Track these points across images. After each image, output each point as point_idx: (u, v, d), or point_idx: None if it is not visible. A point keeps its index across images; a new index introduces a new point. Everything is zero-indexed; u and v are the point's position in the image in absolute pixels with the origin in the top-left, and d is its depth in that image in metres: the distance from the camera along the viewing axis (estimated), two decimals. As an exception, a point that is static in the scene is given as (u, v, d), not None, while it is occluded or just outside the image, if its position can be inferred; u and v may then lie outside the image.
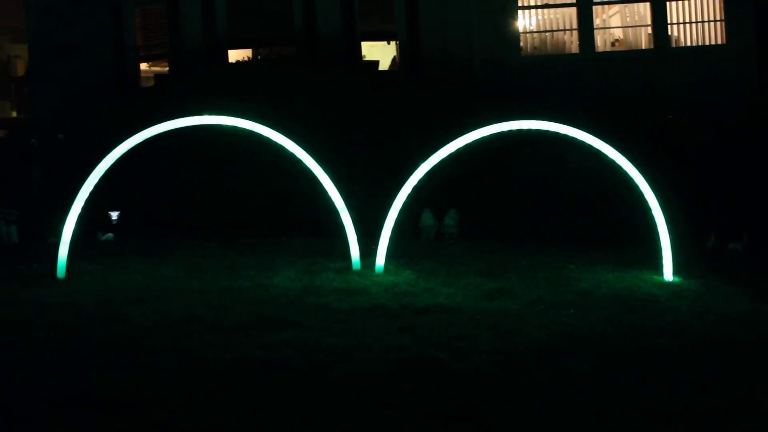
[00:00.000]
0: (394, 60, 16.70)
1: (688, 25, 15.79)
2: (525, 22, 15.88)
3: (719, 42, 15.59)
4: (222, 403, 5.26)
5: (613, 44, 16.15)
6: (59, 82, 14.74)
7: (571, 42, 15.81)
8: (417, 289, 8.42)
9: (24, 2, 15.53)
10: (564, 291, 8.34)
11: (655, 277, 8.93)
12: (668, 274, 8.91)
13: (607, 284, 8.65)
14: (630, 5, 15.90)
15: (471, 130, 8.93)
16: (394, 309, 7.62)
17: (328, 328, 7.00)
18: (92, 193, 8.98)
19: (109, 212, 11.55)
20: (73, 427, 4.91)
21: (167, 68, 16.02)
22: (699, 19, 15.73)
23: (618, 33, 16.25)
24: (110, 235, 11.36)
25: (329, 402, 5.29)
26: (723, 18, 15.53)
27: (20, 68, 18.83)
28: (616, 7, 16.17)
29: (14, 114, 18.31)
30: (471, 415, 5.10)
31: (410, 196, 9.17)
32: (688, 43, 15.83)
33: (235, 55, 15.80)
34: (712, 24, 15.66)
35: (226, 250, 10.42)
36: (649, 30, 15.64)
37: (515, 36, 15.47)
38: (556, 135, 9.03)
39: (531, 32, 15.90)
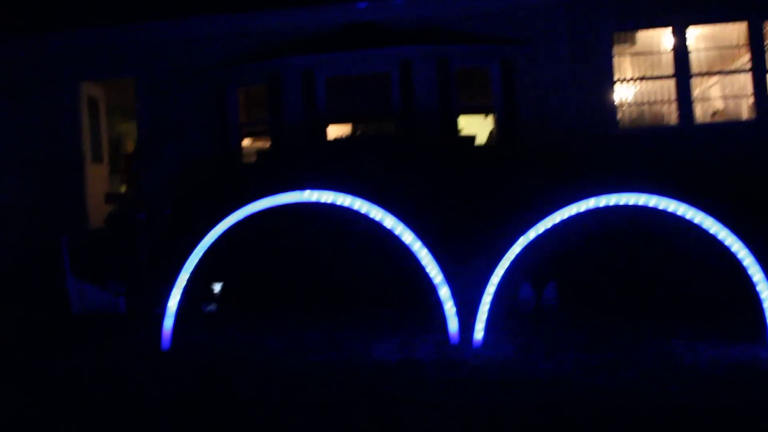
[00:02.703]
0: (491, 134, 16.83)
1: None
2: (622, 94, 15.87)
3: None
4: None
5: (713, 115, 15.98)
6: (165, 158, 15.30)
7: (670, 114, 15.71)
8: (517, 363, 8.37)
9: (135, 83, 16.27)
10: (668, 367, 8.17)
11: (763, 352, 8.69)
12: (777, 350, 8.66)
13: (711, 359, 8.44)
14: (730, 76, 15.76)
15: (570, 203, 8.93)
16: (494, 382, 7.58)
17: (428, 402, 7.01)
18: (197, 266, 9.24)
19: (212, 284, 11.83)
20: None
21: (269, 144, 16.46)
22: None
23: (718, 104, 16.09)
24: (213, 307, 11.62)
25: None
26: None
27: (129, 146, 19.62)
28: (715, 77, 16.05)
29: (123, 189, 19.00)
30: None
31: (510, 270, 9.17)
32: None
33: (334, 131, 16.16)
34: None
35: (327, 324, 10.54)
36: (751, 100, 15.44)
37: (612, 108, 15.46)
38: (655, 209, 8.95)
39: (629, 104, 15.86)
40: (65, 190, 16.51)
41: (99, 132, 17.64)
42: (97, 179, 17.23)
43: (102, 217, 16.23)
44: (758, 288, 8.73)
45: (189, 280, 9.27)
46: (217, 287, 11.90)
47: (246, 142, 16.93)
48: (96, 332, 10.45)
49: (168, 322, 9.14)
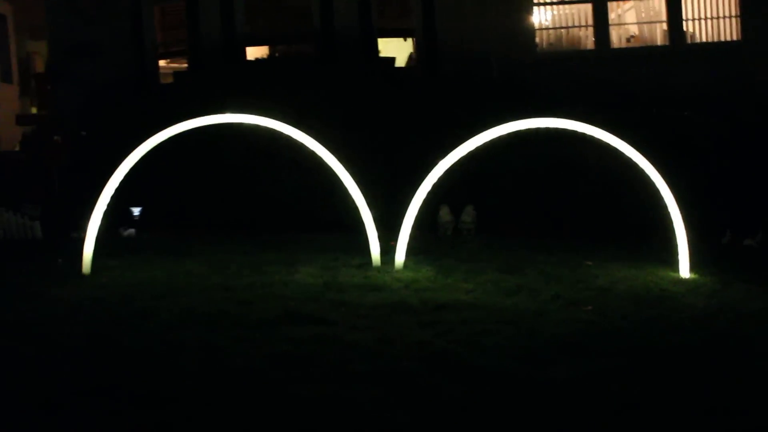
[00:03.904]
0: (410, 56, 16.82)
1: (703, 21, 15.83)
2: (540, 18, 15.97)
3: (735, 38, 15.63)
4: (249, 398, 5.41)
5: (628, 40, 16.21)
6: (79, 78, 14.87)
7: (587, 38, 15.89)
8: (437, 285, 8.55)
9: (44, -1, 15.73)
10: (582, 287, 8.45)
11: (671, 274, 9.03)
12: (684, 270, 9.01)
13: (623, 281, 8.75)
14: (645, 1, 15.97)
15: (488, 128, 9.05)
16: (415, 305, 7.75)
17: (351, 323, 7.14)
18: (115, 190, 9.14)
19: (131, 208, 11.71)
20: (104, 420, 5.05)
21: (186, 65, 16.17)
22: (714, 15, 15.77)
23: (633, 29, 16.31)
24: (132, 230, 11.53)
25: (355, 397, 5.42)
26: (738, 14, 15.56)
27: (40, 65, 19.03)
28: (630, 3, 16.24)
29: (34, 110, 18.49)
30: (493, 410, 5.23)
31: (429, 193, 9.29)
32: (704, 40, 15.88)
33: (253, 52, 15.94)
34: (727, 20, 15.71)
35: (247, 246, 10.57)
36: (664, 26, 15.71)
37: (531, 32, 15.56)
38: (572, 132, 9.13)
39: (546, 29, 15.99)
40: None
41: (8, 51, 17.09)
42: (7, 100, 16.77)
43: (13, 140, 15.85)
44: (669, 210, 9.03)
45: (108, 204, 9.17)
46: (136, 211, 11.79)
47: (163, 63, 16.59)
48: (11, 256, 10.29)
49: (88, 246, 9.05)
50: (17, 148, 15.20)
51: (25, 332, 6.92)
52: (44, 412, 5.16)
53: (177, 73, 15.68)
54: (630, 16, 16.50)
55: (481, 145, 9.11)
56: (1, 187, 12.58)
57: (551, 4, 15.83)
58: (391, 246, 9.46)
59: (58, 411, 5.18)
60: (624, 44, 16.14)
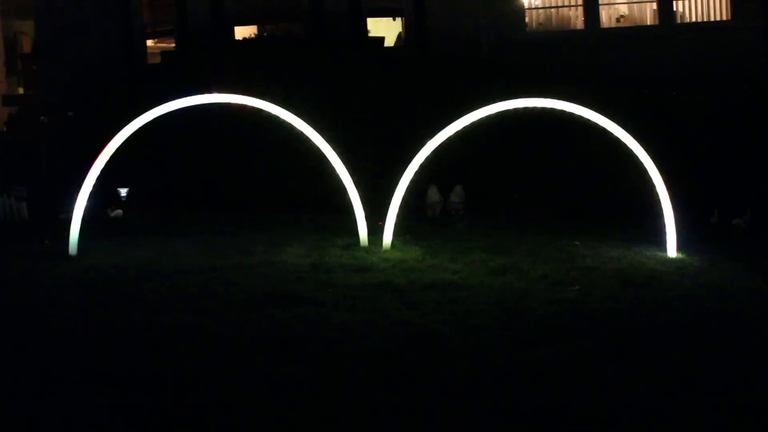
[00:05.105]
0: (399, 36, 16.75)
1: (693, 1, 15.79)
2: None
3: (725, 18, 15.59)
4: (236, 379, 5.40)
5: (618, 20, 16.16)
6: (66, 58, 14.77)
7: (576, 17, 15.84)
8: (424, 266, 8.55)
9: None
10: (569, 267, 8.45)
11: (659, 254, 9.04)
12: (672, 250, 9.02)
13: (611, 261, 8.76)
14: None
15: (477, 108, 9.03)
16: (401, 285, 7.74)
17: (337, 304, 7.13)
18: (102, 171, 9.10)
19: (118, 189, 11.66)
20: (92, 403, 5.04)
21: (173, 45, 16.07)
22: (704, -6, 15.74)
23: (623, 9, 16.26)
24: (119, 211, 11.48)
25: (339, 378, 5.42)
26: (729, -7, 15.53)
27: (26, 45, 18.86)
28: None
29: (21, 91, 18.34)
30: (478, 390, 5.24)
31: (417, 174, 9.27)
32: (694, 19, 15.83)
33: (241, 32, 15.84)
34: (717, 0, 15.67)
35: (234, 227, 10.54)
36: (654, 6, 15.66)
37: (520, 11, 15.51)
38: (561, 112, 9.11)
39: (536, 8, 15.93)
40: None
41: (-6, 30, 16.93)
42: (-7, 80, 16.61)
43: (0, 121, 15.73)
44: (657, 190, 9.02)
45: (95, 185, 9.13)
46: (123, 192, 11.73)
47: (150, 43, 16.48)
48: (-1, 238, 10.27)
49: (75, 228, 9.02)
50: (3, 129, 15.09)
51: (11, 315, 6.91)
52: (32, 395, 5.15)
53: (165, 53, 15.57)
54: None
55: (469, 125, 9.09)
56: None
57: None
58: (378, 226, 9.45)
59: (47, 395, 5.16)
60: (614, 24, 16.09)
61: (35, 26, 15.79)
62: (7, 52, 18.03)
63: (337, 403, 5.05)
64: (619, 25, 16.04)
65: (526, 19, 15.67)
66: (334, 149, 9.33)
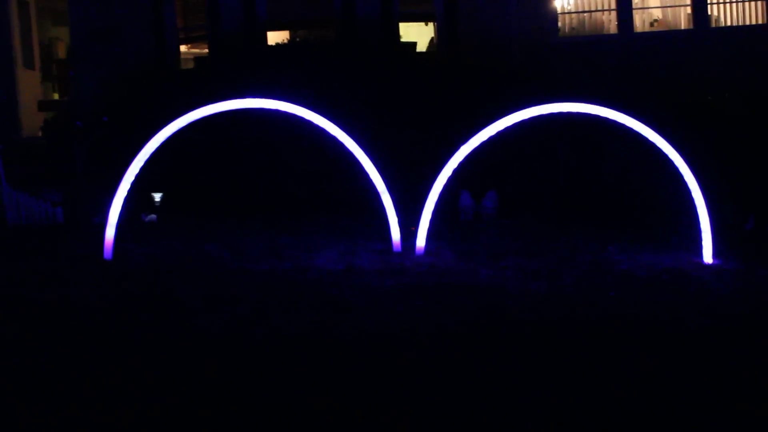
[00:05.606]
0: (431, 41, 16.74)
1: (728, 5, 15.68)
2: (563, 2, 15.85)
3: (760, 21, 15.47)
4: (275, 383, 5.41)
5: (651, 24, 16.07)
6: (101, 64, 14.91)
7: (610, 22, 15.77)
8: (457, 270, 8.53)
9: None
10: (604, 272, 8.40)
11: (695, 260, 8.96)
12: (708, 256, 8.93)
13: (646, 266, 8.69)
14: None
15: (510, 113, 9.00)
16: (435, 290, 7.73)
17: (373, 308, 7.14)
18: (136, 176, 9.17)
19: (152, 194, 11.74)
20: (134, 406, 5.08)
21: (206, 50, 16.16)
22: (739, -2, 15.62)
23: (657, 13, 16.17)
24: (153, 216, 11.56)
25: (377, 384, 5.42)
26: (763, -3, 15.41)
27: (61, 51, 19.07)
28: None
29: (56, 96, 18.53)
30: (516, 394, 5.22)
31: (450, 178, 9.26)
32: (728, 23, 15.72)
33: (273, 37, 15.91)
34: (752, 3, 15.54)
35: (268, 231, 10.58)
36: (689, 10, 15.55)
37: (553, 16, 15.45)
38: (594, 117, 9.06)
39: (569, 13, 15.87)
40: (-4, 97, 16.03)
41: (30, 36, 17.10)
42: (29, 86, 16.77)
43: (36, 126, 15.90)
44: (693, 196, 8.95)
45: (129, 190, 9.19)
46: (157, 197, 11.81)
47: (183, 48, 16.59)
48: (35, 242, 10.33)
49: (110, 232, 9.08)
50: (39, 134, 15.25)
51: (47, 317, 6.97)
52: (65, 401, 5.20)
53: (198, 59, 15.68)
54: (654, 0, 16.35)
55: (502, 130, 9.06)
56: (23, 172, 12.63)
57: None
58: (411, 231, 9.44)
59: (87, 397, 5.22)
60: (647, 28, 16.00)
61: (70, 32, 15.94)
62: (43, 58, 18.22)
63: (374, 411, 5.04)
64: (653, 29, 15.95)
65: (559, 24, 15.61)
66: (367, 154, 9.34)
